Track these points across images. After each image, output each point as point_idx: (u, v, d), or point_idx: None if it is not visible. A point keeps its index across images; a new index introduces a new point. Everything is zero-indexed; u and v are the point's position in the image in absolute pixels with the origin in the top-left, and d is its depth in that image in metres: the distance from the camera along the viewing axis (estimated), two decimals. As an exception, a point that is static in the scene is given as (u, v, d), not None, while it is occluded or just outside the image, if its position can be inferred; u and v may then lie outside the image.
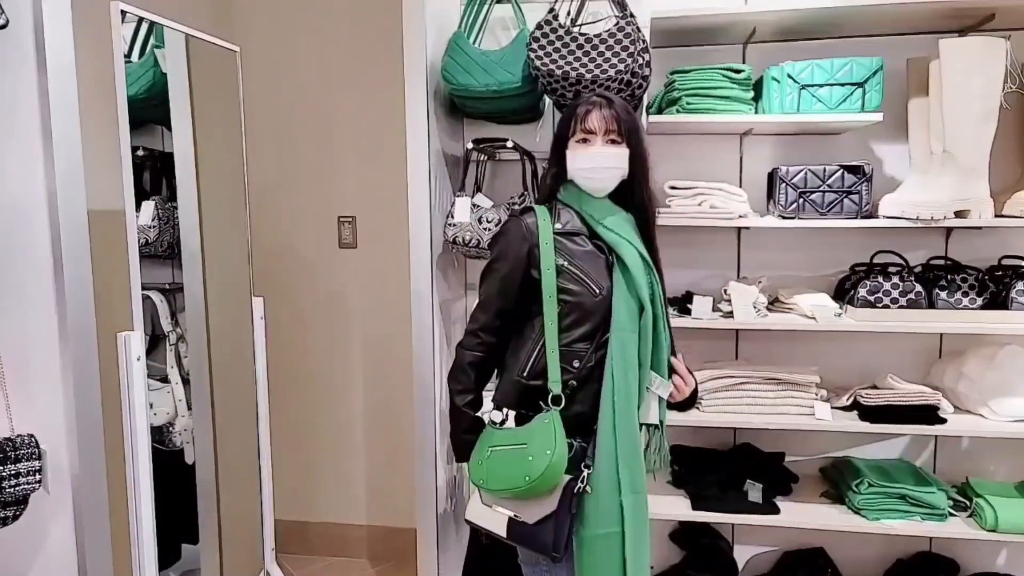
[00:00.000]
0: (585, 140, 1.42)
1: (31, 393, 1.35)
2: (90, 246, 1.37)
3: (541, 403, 1.39)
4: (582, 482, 1.37)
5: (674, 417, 1.92)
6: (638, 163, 1.44)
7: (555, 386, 1.38)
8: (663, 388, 1.43)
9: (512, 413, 1.45)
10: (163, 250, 1.96)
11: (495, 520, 1.43)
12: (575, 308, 1.39)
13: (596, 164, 1.42)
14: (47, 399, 1.35)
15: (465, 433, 1.48)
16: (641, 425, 1.44)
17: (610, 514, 1.38)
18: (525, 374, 1.42)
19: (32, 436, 1.33)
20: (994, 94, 1.80)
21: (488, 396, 1.54)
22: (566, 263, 1.40)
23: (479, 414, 1.50)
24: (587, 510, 1.39)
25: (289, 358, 2.69)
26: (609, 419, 1.38)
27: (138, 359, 1.60)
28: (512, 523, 1.41)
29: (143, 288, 1.68)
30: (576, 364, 1.40)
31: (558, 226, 1.43)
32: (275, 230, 2.66)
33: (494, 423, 1.45)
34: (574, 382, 1.40)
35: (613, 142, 1.42)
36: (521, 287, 1.43)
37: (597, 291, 1.39)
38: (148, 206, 1.93)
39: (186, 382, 1.99)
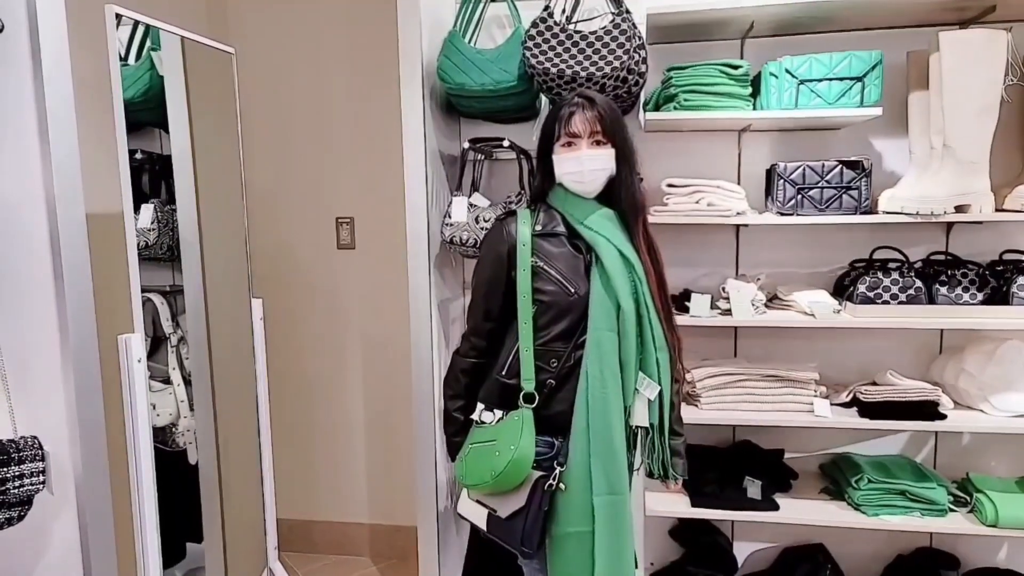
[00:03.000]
0: (570, 144, 1.42)
1: (33, 395, 1.36)
2: (90, 249, 1.38)
3: (519, 401, 1.42)
4: (554, 479, 1.39)
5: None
6: (624, 160, 1.44)
7: (527, 384, 1.41)
8: (651, 390, 1.42)
9: (500, 412, 1.46)
10: (163, 252, 1.97)
11: (479, 513, 1.47)
12: (550, 308, 1.41)
13: (583, 168, 1.42)
14: (49, 401, 1.36)
15: (454, 436, 1.54)
16: (637, 428, 1.44)
17: (581, 513, 1.39)
18: (504, 372, 1.45)
19: (35, 438, 1.34)
20: (995, 87, 1.78)
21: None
22: (542, 264, 1.42)
23: (474, 415, 1.52)
24: (559, 508, 1.41)
25: (289, 358, 2.71)
26: (583, 417, 1.39)
27: (139, 361, 1.62)
28: (490, 517, 1.44)
29: (144, 290, 1.69)
30: (554, 363, 1.41)
31: (537, 228, 1.45)
32: (274, 231, 2.67)
33: (480, 422, 1.48)
34: (552, 381, 1.41)
35: (598, 143, 1.42)
36: (505, 289, 1.45)
37: (572, 291, 1.41)
38: (147, 209, 1.94)
39: (188, 383, 2.01)
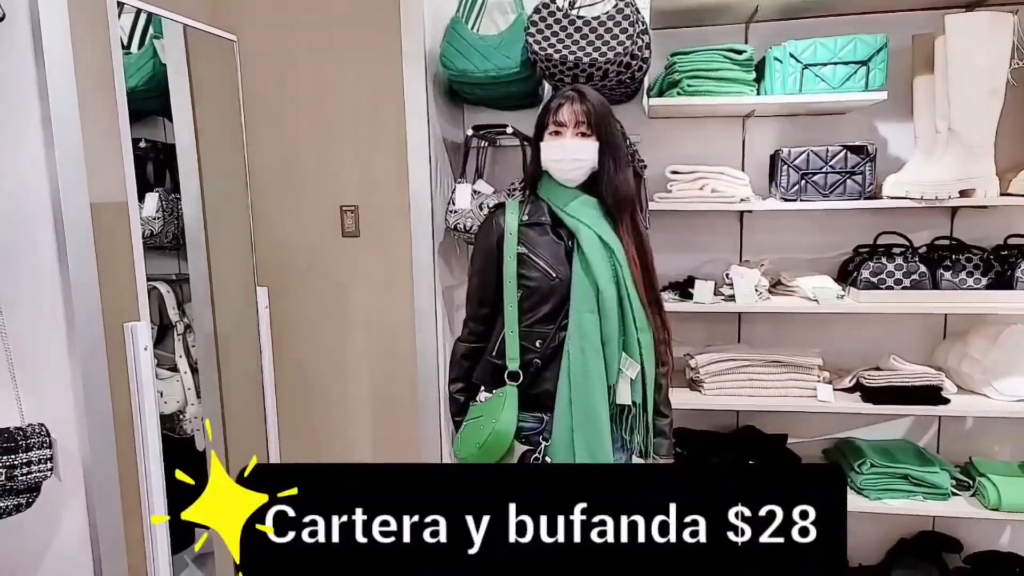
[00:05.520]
0: (557, 132, 1.48)
1: (40, 384, 1.37)
2: (95, 238, 1.39)
3: (505, 379, 1.49)
4: (540, 453, 1.47)
5: (677, 400, 1.94)
6: (608, 154, 1.48)
7: (512, 363, 1.48)
8: (631, 369, 1.47)
9: (496, 391, 1.52)
10: (168, 241, 1.98)
11: None
12: (534, 292, 1.48)
13: (565, 156, 1.47)
14: (56, 390, 1.37)
15: (456, 416, 1.62)
16: (623, 406, 1.49)
17: None
18: (494, 353, 1.52)
19: (43, 425, 1.35)
20: (1000, 70, 1.77)
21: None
22: (526, 251, 1.49)
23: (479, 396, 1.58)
24: None
25: (295, 346, 2.72)
26: (565, 395, 1.45)
27: (145, 348, 1.62)
28: None
29: (150, 279, 1.69)
30: (539, 344, 1.48)
31: (524, 218, 1.52)
32: (278, 220, 2.67)
33: (476, 402, 1.55)
34: (538, 360, 1.48)
35: (583, 135, 1.47)
36: (496, 276, 1.51)
37: (554, 275, 1.47)
38: (152, 198, 1.94)
39: (195, 371, 2.02)
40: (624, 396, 1.48)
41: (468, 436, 1.51)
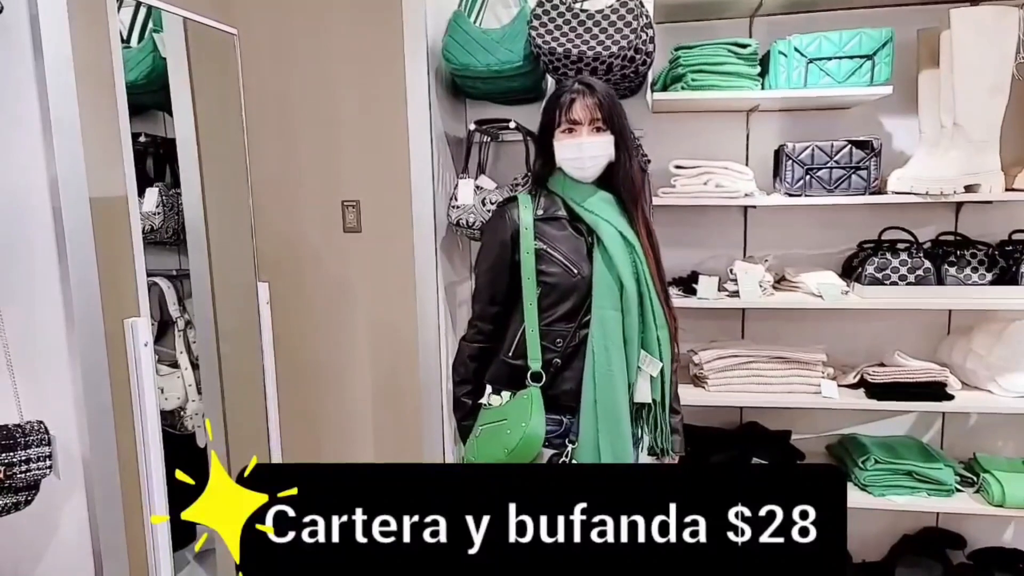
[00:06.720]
0: (571, 130, 1.44)
1: (39, 380, 1.37)
2: (95, 233, 1.38)
3: (527, 381, 1.45)
4: (566, 456, 1.43)
5: (681, 396, 1.93)
6: (622, 147, 1.45)
7: (534, 363, 1.44)
8: (653, 366, 1.45)
9: (507, 394, 1.49)
10: (169, 236, 1.97)
11: None
12: (553, 289, 1.44)
13: (583, 154, 1.44)
14: (55, 386, 1.37)
15: (463, 420, 1.56)
16: (640, 404, 1.47)
17: None
18: (510, 354, 1.48)
19: (41, 422, 1.34)
20: (1006, 65, 1.76)
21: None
22: (544, 246, 1.45)
23: (483, 399, 1.53)
24: None
25: (296, 342, 2.71)
26: (590, 394, 1.42)
27: (145, 344, 1.62)
28: None
29: (150, 274, 1.69)
30: (559, 343, 1.44)
31: (539, 212, 1.47)
32: (279, 215, 2.66)
33: (488, 405, 1.50)
34: (558, 360, 1.45)
35: (598, 130, 1.44)
36: (509, 273, 1.47)
37: (575, 272, 1.44)
38: (152, 193, 1.93)
39: (196, 367, 2.02)
40: (644, 394, 1.45)
41: (492, 441, 1.44)
